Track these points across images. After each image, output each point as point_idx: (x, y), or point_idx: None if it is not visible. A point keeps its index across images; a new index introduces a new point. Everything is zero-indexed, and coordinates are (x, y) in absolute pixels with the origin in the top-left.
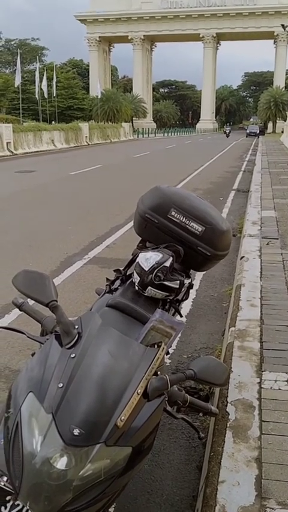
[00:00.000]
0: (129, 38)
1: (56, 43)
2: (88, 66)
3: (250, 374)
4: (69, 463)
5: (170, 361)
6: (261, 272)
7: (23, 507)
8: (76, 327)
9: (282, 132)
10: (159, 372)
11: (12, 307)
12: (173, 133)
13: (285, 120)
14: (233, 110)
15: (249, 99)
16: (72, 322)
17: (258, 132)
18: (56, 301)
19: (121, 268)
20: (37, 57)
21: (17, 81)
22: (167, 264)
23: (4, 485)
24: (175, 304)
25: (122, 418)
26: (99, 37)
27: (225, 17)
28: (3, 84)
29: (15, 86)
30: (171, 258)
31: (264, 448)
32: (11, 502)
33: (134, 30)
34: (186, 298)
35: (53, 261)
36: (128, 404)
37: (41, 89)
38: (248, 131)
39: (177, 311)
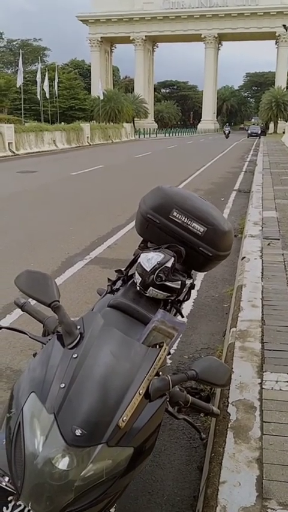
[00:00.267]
0: (131, 38)
1: (58, 43)
2: (90, 66)
3: (251, 375)
4: (71, 464)
5: (171, 361)
6: (262, 273)
7: (24, 507)
8: (78, 327)
9: (284, 132)
10: (161, 373)
11: (14, 307)
12: (174, 134)
13: (286, 121)
14: (234, 111)
15: (251, 100)
16: (74, 323)
17: (259, 132)
18: (58, 301)
19: (123, 269)
20: (39, 57)
21: (19, 82)
22: (169, 264)
23: (6, 485)
24: (176, 305)
25: (124, 418)
26: (101, 37)
27: (226, 18)
28: (5, 84)
29: (17, 86)
30: (172, 259)
31: (265, 449)
32: (12, 502)
33: (135, 30)
34: (187, 299)
35: (54, 261)
36: (129, 405)
37: (43, 90)
38: (249, 132)
39: (179, 311)
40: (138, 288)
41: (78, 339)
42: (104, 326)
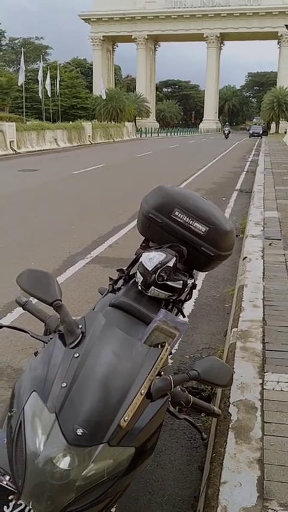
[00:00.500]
0: (132, 37)
1: (60, 42)
2: (91, 65)
3: (252, 375)
4: (72, 463)
5: (172, 361)
6: (263, 273)
7: (25, 506)
8: (80, 326)
9: (286, 132)
10: (162, 373)
11: (15, 305)
12: (175, 133)
13: None
14: (236, 110)
15: (253, 100)
16: (76, 322)
17: (261, 132)
18: (60, 300)
19: (124, 268)
20: (41, 56)
21: (21, 80)
22: (170, 264)
23: (7, 484)
24: (178, 305)
25: (126, 418)
26: (103, 36)
27: (229, 17)
28: (7, 82)
29: (19, 84)
30: (174, 258)
31: (266, 449)
32: (13, 502)
33: (137, 29)
34: (189, 299)
35: (55, 260)
36: (131, 405)
37: (45, 88)
38: (251, 131)
39: (180, 311)
40: (139, 287)
41: (79, 338)
42: (105, 325)
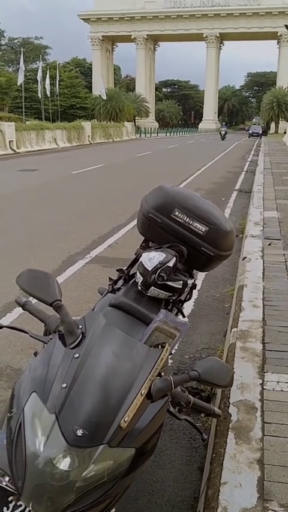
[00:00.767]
0: (132, 37)
1: (59, 42)
2: (91, 65)
3: (252, 375)
4: (72, 464)
5: (171, 361)
6: (263, 273)
7: (25, 508)
8: (80, 326)
9: (285, 132)
10: (163, 373)
11: (14, 305)
12: (175, 133)
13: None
14: (235, 110)
15: (252, 100)
16: (76, 322)
17: (260, 132)
18: (60, 300)
19: (124, 268)
20: (40, 55)
21: (20, 80)
22: (170, 264)
23: (6, 485)
24: (178, 305)
25: (126, 419)
26: (103, 36)
27: (228, 17)
28: (6, 82)
29: (18, 84)
30: (174, 258)
31: (266, 450)
32: (13, 503)
33: (137, 29)
34: (189, 299)
35: (55, 260)
36: (131, 405)
37: (44, 88)
38: (250, 131)
39: (180, 311)
40: (139, 287)
41: (79, 338)
42: (105, 326)
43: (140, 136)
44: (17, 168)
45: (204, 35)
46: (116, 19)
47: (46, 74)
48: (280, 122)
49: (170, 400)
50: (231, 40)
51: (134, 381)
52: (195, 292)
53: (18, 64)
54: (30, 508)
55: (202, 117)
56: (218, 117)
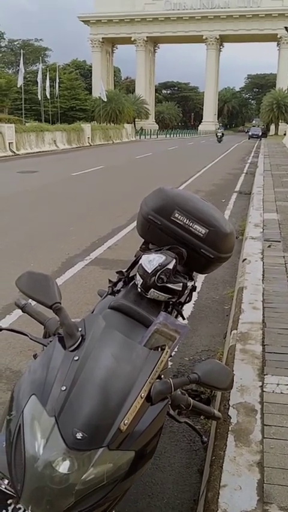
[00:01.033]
0: (132, 39)
1: (59, 44)
2: (91, 67)
3: (252, 377)
4: (72, 467)
5: (171, 363)
6: (263, 275)
7: (24, 511)
8: (79, 329)
9: (285, 134)
10: (162, 376)
11: (14, 307)
12: (175, 135)
13: (287, 123)
14: (235, 112)
15: (252, 101)
16: (75, 325)
17: (260, 134)
18: (60, 303)
19: (123, 270)
20: (40, 57)
21: (20, 82)
22: (170, 266)
23: (5, 488)
24: (178, 307)
25: (125, 421)
26: (102, 38)
27: (228, 19)
28: (6, 84)
29: (18, 86)
30: (174, 260)
31: (266, 452)
32: (12, 506)
33: (137, 31)
34: (189, 301)
35: (54, 262)
36: (131, 408)
37: (44, 90)
38: (250, 133)
39: (180, 313)
40: (139, 289)
41: (79, 341)
42: (105, 328)
43: (140, 138)
44: (17, 169)
45: (204, 37)
46: (116, 21)
47: (46, 76)
48: (280, 123)
49: (169, 402)
50: (231, 42)
51: (134, 383)
52: (195, 294)
53: (18, 66)
54: (30, 511)
55: (202, 119)
56: (218, 119)
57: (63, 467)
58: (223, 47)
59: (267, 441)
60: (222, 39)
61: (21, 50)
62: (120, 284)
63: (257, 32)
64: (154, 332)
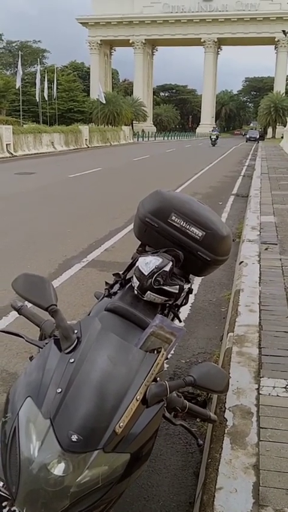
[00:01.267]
0: (130, 41)
1: (57, 45)
2: (89, 69)
3: (248, 380)
4: (67, 470)
5: (168, 365)
6: (260, 277)
7: None
8: (75, 331)
9: (282, 137)
10: (158, 378)
11: (10, 309)
12: (172, 137)
13: (285, 126)
14: (233, 115)
15: (250, 104)
16: (71, 327)
17: (258, 137)
18: (56, 305)
19: (120, 272)
20: (38, 59)
21: (18, 83)
22: (167, 268)
23: (0, 490)
24: (174, 309)
25: (121, 424)
26: (101, 40)
27: (226, 22)
28: (4, 85)
29: (16, 87)
30: (170, 263)
31: (262, 455)
32: (7, 508)
33: (135, 34)
34: (185, 303)
35: (51, 264)
36: (126, 411)
37: (42, 91)
38: (247, 136)
39: (176, 316)
40: (136, 291)
41: (75, 343)
42: (101, 331)
43: (138, 140)
44: (15, 171)
45: (202, 40)
46: (114, 23)
47: (44, 78)
48: (277, 126)
49: (165, 405)
50: (229, 45)
51: (130, 386)
52: (191, 297)
53: (16, 67)
54: None
55: (200, 121)
56: (216, 122)
57: (58, 469)
58: (221, 50)
59: (263, 444)
60: (220, 42)
61: (19, 52)
62: (116, 286)
63: (254, 35)
64: (150, 335)
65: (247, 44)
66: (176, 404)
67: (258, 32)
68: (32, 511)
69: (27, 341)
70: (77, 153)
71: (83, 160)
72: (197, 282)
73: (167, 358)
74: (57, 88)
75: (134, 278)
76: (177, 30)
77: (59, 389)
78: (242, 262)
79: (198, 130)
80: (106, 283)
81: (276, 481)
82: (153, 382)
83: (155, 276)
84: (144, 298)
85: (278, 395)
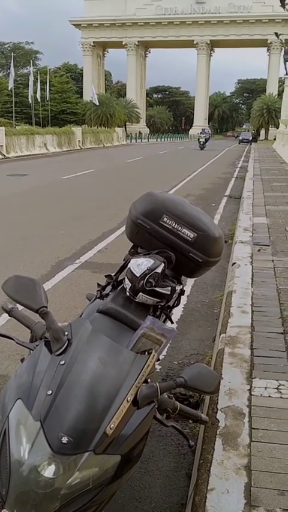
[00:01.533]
0: (123, 43)
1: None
2: (82, 70)
3: (240, 381)
4: (57, 471)
5: (160, 367)
6: (252, 279)
7: None
8: (66, 333)
9: (275, 139)
10: (149, 380)
11: (0, 311)
12: (165, 139)
13: (277, 128)
14: (226, 117)
15: (242, 106)
16: (62, 329)
17: (250, 139)
18: (46, 307)
19: (112, 274)
20: (31, 60)
21: (10, 85)
22: (159, 270)
23: None
24: (166, 311)
25: (111, 426)
26: (94, 42)
27: (219, 24)
28: None
29: (9, 89)
30: (162, 264)
31: (253, 456)
32: None
33: (128, 35)
34: (177, 305)
35: (44, 265)
36: (117, 412)
37: (35, 93)
38: (240, 138)
39: (168, 317)
40: (127, 293)
41: (65, 345)
42: (92, 332)
43: (131, 142)
44: (7, 172)
45: (195, 42)
46: (107, 25)
47: (37, 79)
48: (270, 128)
49: (156, 406)
50: (222, 47)
51: (120, 387)
52: (184, 298)
53: (9, 69)
54: None
55: (193, 123)
56: (209, 124)
57: (49, 471)
58: (214, 52)
59: (255, 444)
60: (213, 44)
61: (12, 53)
62: (108, 288)
63: (247, 37)
64: (141, 336)
65: (240, 46)
66: (167, 405)
67: (250, 34)
68: None
69: (18, 343)
70: (70, 154)
71: (76, 162)
72: (189, 283)
73: (158, 360)
74: (50, 89)
75: (126, 280)
76: (170, 32)
77: (50, 391)
78: (234, 263)
79: (191, 132)
80: (98, 284)
81: (268, 482)
82: (144, 384)
83: (147, 277)
84: (136, 300)
85: (269, 396)
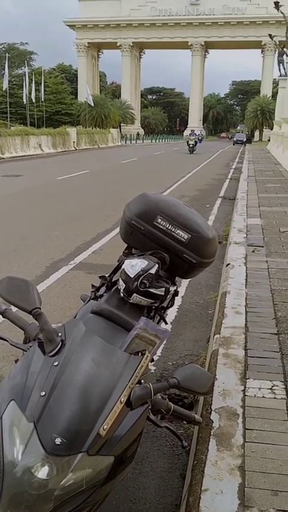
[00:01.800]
0: (118, 44)
1: (45, 48)
2: (77, 71)
3: (234, 381)
4: (51, 473)
5: (154, 368)
6: (246, 279)
7: None
8: (59, 334)
9: (269, 140)
10: (142, 380)
11: None
12: (160, 140)
13: (271, 129)
14: (220, 118)
15: (237, 108)
16: (55, 330)
17: (245, 140)
18: (40, 308)
19: (106, 275)
20: (25, 61)
21: (5, 85)
22: (153, 271)
23: None
24: (160, 312)
25: (105, 427)
26: (88, 43)
27: (213, 26)
28: None
29: (3, 90)
30: (156, 265)
31: (247, 456)
32: None
33: (123, 36)
34: (171, 306)
35: (38, 266)
36: (110, 413)
37: (29, 94)
38: (234, 139)
39: (162, 318)
40: (122, 294)
41: (59, 346)
42: (85, 333)
43: (126, 143)
44: (2, 173)
45: (189, 43)
46: (102, 26)
47: (31, 80)
48: (264, 129)
49: (150, 407)
50: (216, 48)
51: (114, 388)
52: (178, 299)
53: (3, 69)
54: None
55: (187, 124)
56: (203, 125)
57: (42, 472)
58: (208, 53)
59: (249, 445)
60: (208, 46)
61: (6, 54)
62: (103, 289)
63: (241, 38)
64: (134, 337)
65: (234, 47)
66: (161, 406)
67: (245, 36)
68: None
69: (11, 344)
70: (65, 155)
71: (71, 162)
72: (184, 284)
73: (152, 360)
74: (44, 90)
75: (120, 281)
76: (165, 33)
77: (43, 393)
78: (228, 264)
79: (185, 133)
80: (92, 285)
81: (262, 482)
82: (137, 385)
83: (141, 278)
84: (130, 301)
85: (263, 397)
